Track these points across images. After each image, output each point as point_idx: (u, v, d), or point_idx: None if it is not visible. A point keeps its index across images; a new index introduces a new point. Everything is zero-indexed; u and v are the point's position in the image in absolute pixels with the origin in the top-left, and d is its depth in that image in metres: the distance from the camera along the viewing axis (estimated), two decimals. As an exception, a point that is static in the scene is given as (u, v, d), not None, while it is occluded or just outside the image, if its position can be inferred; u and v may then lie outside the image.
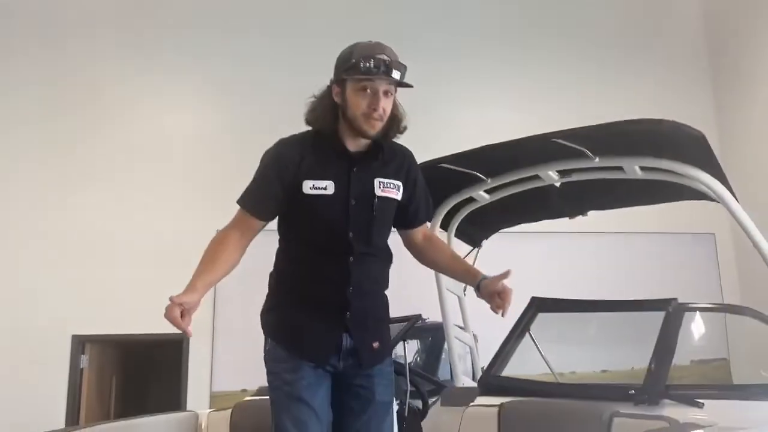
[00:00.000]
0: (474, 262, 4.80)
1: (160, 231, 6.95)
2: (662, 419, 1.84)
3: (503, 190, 4.04)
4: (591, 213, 5.77)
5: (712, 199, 3.46)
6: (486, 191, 4.08)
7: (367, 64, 2.21)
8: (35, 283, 6.64)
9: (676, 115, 8.57)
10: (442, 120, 7.28)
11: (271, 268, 2.46)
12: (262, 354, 2.44)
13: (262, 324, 2.44)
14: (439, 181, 3.90)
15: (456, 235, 4.72)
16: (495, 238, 5.18)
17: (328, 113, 2.34)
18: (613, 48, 8.28)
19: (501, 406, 2.21)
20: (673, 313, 2.25)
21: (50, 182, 7.03)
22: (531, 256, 6.99)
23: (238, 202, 2.38)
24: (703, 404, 1.97)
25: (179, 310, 2.11)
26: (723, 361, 6.55)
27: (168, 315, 2.11)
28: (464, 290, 4.85)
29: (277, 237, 2.45)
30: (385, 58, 2.23)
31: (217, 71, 7.52)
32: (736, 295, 7.29)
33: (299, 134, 2.44)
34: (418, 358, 6.09)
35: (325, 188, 2.30)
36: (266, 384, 2.41)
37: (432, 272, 4.49)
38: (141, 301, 6.65)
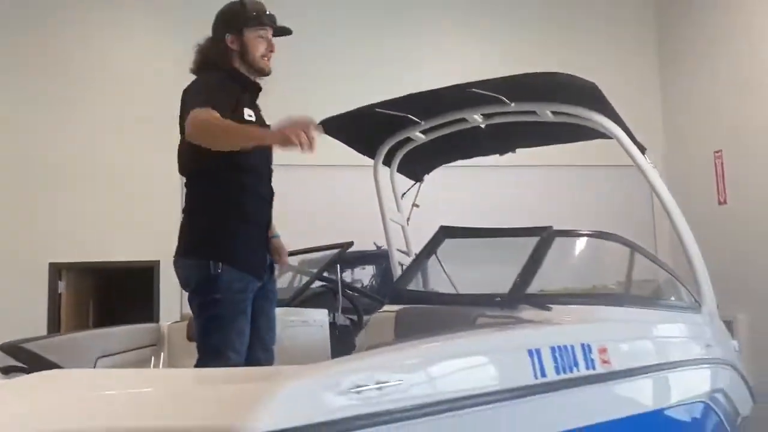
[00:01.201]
0: (416, 196, 5.36)
1: (131, 163, 7.21)
2: (513, 318, 2.38)
3: (436, 131, 4.51)
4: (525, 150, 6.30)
5: (610, 137, 3.98)
6: (421, 132, 4.53)
7: (263, 18, 2.80)
8: (12, 213, 6.96)
9: (623, 78, 8.96)
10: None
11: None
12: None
13: (205, 250, 2.64)
14: (378, 124, 4.38)
15: (399, 171, 5.23)
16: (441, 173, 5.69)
17: (227, 57, 2.81)
18: (557, 8, 8.46)
19: (398, 311, 2.76)
20: (545, 237, 2.77)
21: (24, 108, 7.13)
22: (480, 188, 7.50)
23: (202, 104, 2.50)
24: (551, 308, 2.52)
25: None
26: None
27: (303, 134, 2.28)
28: (407, 220, 5.42)
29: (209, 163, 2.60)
30: (271, 13, 2.84)
31: (173, 4, 7.62)
32: (667, 229, 7.91)
33: (222, 72, 2.78)
34: (374, 281, 6.70)
35: (251, 116, 2.76)
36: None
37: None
38: (116, 230, 7.10)
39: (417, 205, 5.31)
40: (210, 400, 1.41)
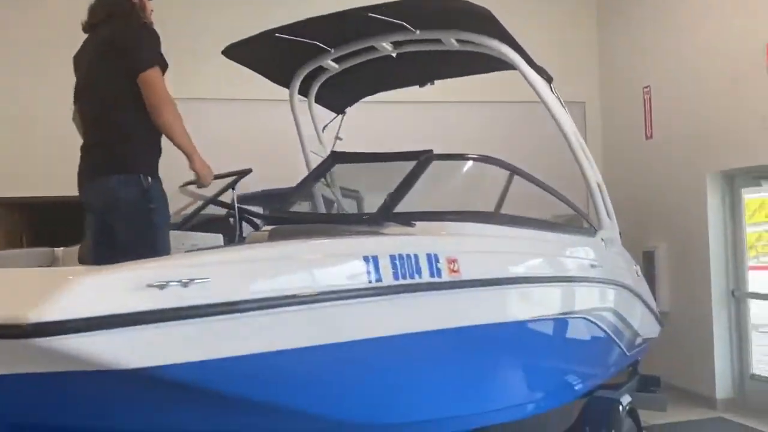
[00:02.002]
0: (339, 129, 5.39)
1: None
2: (370, 232, 2.49)
3: (348, 60, 4.51)
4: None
5: (513, 68, 4.03)
6: (333, 61, 4.53)
7: None
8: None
9: (561, 17, 8.80)
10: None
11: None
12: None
13: (140, 165, 2.98)
14: (288, 51, 4.36)
15: (319, 102, 5.24)
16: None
17: (141, 12, 3.22)
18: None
19: (271, 230, 2.86)
20: (422, 161, 2.85)
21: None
22: (408, 124, 7.51)
23: (154, 65, 2.99)
24: (415, 224, 2.63)
25: None
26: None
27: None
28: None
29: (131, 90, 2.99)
30: None
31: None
32: (599, 163, 8.09)
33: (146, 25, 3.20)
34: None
35: None
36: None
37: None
38: (43, 164, 7.00)
39: (340, 138, 5.34)
40: (8, 292, 1.48)
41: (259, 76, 4.76)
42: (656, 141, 7.15)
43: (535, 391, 3.41)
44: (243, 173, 3.57)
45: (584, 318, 3.61)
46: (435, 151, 3.04)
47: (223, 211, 3.70)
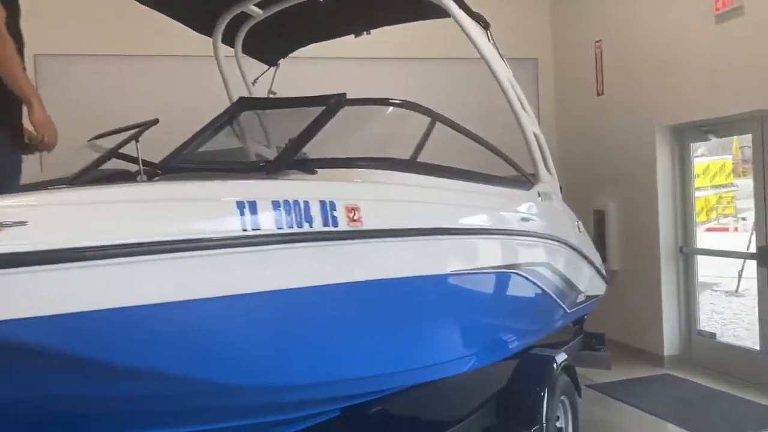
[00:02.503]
0: (272, 82, 5.11)
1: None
2: (257, 177, 2.28)
3: (273, 5, 4.22)
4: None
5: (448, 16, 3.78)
6: (256, 6, 4.24)
7: None
8: None
9: None
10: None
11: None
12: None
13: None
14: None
15: (249, 54, 4.95)
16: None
17: None
18: None
19: (163, 177, 2.63)
20: (331, 105, 2.63)
21: None
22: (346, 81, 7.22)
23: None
24: (317, 171, 2.41)
25: None
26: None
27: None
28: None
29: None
30: None
31: None
32: (552, 120, 7.94)
33: None
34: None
35: None
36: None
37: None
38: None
39: (273, 93, 5.08)
40: None
41: (180, 27, 4.45)
42: (607, 97, 7.00)
43: (463, 349, 3.26)
44: (148, 124, 3.28)
45: (515, 273, 3.45)
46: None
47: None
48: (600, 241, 7.08)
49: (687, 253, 6.28)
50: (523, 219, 3.56)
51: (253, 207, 1.87)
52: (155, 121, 3.32)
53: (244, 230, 1.86)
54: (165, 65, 6.45)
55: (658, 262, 6.27)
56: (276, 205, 1.95)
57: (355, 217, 2.17)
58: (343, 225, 2.14)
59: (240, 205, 1.84)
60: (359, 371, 2.56)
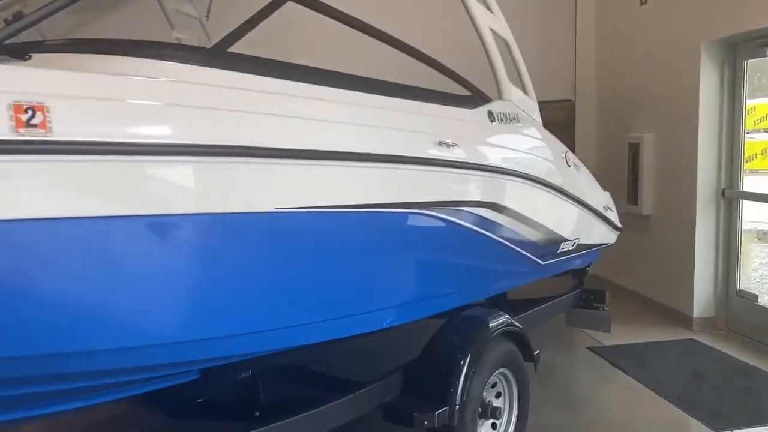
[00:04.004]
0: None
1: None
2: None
3: None
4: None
5: None
6: None
7: None
8: None
9: None
10: None
11: None
12: None
13: None
14: None
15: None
16: None
17: None
18: None
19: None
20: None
21: None
22: None
23: None
24: (31, 56, 1.71)
25: None
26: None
27: None
28: (208, 13, 4.49)
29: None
30: None
31: None
32: (591, 35, 6.80)
33: None
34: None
35: None
36: None
37: None
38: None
39: (221, -6, 4.37)
40: None
41: None
42: (652, 6, 5.78)
43: (373, 302, 2.61)
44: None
45: (423, 213, 2.65)
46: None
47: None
48: (634, 180, 6.03)
49: (730, 197, 5.15)
50: (442, 144, 2.72)
51: None
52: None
53: None
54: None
55: (694, 207, 5.18)
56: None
57: (35, 122, 1.47)
58: (9, 133, 1.45)
59: None
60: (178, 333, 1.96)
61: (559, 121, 6.76)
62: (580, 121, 6.82)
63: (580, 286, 4.63)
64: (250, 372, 2.61)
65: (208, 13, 4.43)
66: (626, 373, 4.40)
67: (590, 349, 4.90)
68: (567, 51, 6.83)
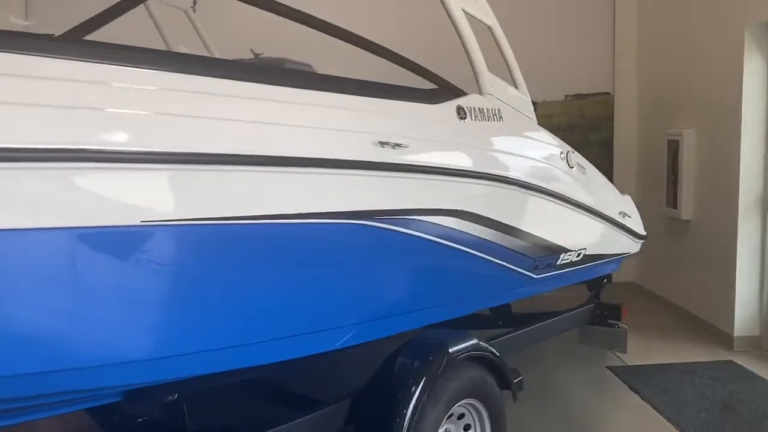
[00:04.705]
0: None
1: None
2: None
3: None
4: None
5: None
6: None
7: None
8: None
9: None
10: None
11: None
12: None
13: None
14: None
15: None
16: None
17: None
18: None
19: None
20: None
21: None
22: None
23: None
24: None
25: None
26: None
27: None
28: (194, 4, 4.30)
29: None
30: None
31: None
32: (633, 24, 6.24)
33: None
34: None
35: None
36: None
37: None
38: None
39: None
40: None
41: None
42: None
43: (321, 321, 2.37)
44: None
45: (367, 225, 2.32)
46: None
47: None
48: (673, 181, 5.47)
49: (777, 202, 4.56)
50: (387, 145, 2.38)
51: None
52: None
53: None
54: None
55: (736, 212, 4.62)
56: None
57: None
58: None
59: None
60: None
61: (597, 115, 6.27)
62: (619, 116, 6.28)
63: (595, 300, 4.18)
64: (176, 395, 2.42)
65: (195, 3, 4.24)
66: (643, 399, 3.92)
67: (610, 368, 4.43)
68: (605, 40, 6.30)
